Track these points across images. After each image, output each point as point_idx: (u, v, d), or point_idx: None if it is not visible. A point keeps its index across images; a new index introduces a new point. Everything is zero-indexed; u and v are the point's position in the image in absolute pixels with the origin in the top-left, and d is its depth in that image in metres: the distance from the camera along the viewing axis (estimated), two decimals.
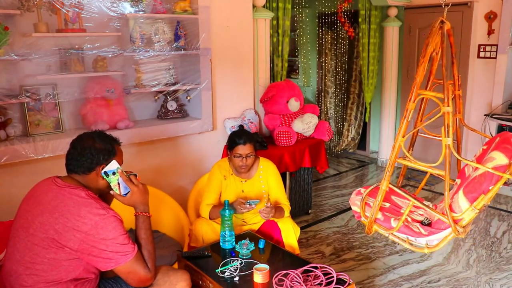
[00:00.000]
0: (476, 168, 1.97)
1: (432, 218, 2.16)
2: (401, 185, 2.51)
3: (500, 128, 4.45)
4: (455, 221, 1.90)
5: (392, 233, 2.10)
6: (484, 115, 4.58)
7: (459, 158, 1.93)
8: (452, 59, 2.12)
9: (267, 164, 2.88)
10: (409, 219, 2.14)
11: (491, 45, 4.59)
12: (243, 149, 2.71)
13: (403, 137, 1.94)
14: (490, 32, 4.57)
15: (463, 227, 1.91)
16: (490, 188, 1.82)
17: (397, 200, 2.38)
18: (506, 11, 4.40)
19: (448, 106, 1.83)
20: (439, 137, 2.28)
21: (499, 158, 1.86)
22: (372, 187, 2.17)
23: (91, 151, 1.78)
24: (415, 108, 1.98)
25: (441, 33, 1.95)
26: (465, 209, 1.87)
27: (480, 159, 2.10)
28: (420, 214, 2.24)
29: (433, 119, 1.98)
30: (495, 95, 4.63)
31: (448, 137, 1.82)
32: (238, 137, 2.73)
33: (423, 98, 2.23)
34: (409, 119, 1.93)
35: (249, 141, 2.72)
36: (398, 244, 3.44)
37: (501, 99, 4.58)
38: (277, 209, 2.77)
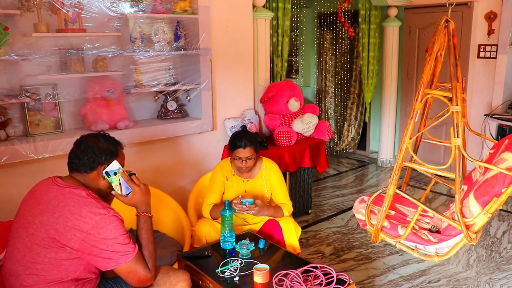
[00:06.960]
0: (485, 172, 1.91)
1: (439, 226, 2.07)
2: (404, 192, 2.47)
3: (500, 128, 4.45)
4: (467, 227, 1.81)
5: (399, 242, 2.02)
6: (484, 115, 4.58)
7: (470, 159, 1.85)
8: (456, 61, 2.07)
9: (270, 164, 2.87)
10: (416, 227, 2.06)
11: (491, 45, 4.60)
12: (243, 152, 2.70)
13: (410, 138, 1.87)
14: (490, 32, 4.58)
15: (475, 232, 1.81)
16: (503, 190, 1.73)
17: (402, 208, 2.30)
18: (506, 11, 4.41)
19: (457, 105, 1.76)
20: (443, 142, 2.24)
21: (511, 159, 1.78)
22: (376, 193, 2.08)
23: (94, 150, 1.79)
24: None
25: (447, 32, 1.91)
26: (477, 213, 1.78)
27: (488, 163, 2.03)
28: (427, 222, 2.16)
29: (441, 120, 1.92)
30: (495, 95, 4.63)
31: (457, 137, 1.75)
32: (238, 139, 2.70)
33: (426, 102, 2.15)
34: (415, 120, 1.86)
35: (249, 145, 2.70)
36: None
37: (501, 99, 4.58)
38: (274, 207, 2.77)
